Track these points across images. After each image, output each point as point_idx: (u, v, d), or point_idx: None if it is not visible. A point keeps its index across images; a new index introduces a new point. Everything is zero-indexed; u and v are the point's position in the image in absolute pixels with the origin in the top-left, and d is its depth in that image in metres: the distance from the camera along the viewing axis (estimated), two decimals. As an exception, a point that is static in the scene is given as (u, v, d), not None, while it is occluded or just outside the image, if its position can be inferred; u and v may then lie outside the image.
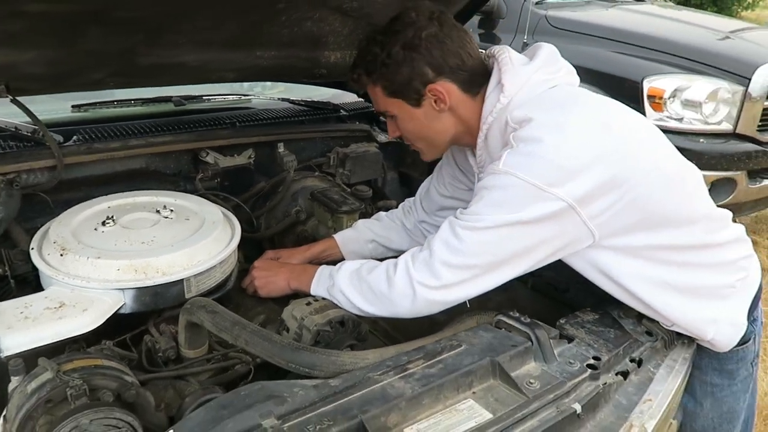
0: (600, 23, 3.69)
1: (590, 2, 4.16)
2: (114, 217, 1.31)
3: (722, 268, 1.22)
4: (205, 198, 1.56)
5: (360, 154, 1.85)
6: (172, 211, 1.37)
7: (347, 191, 1.79)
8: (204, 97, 1.81)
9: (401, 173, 2.07)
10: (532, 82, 1.16)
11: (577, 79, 1.24)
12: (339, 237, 1.54)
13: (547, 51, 1.22)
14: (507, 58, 1.19)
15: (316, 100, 1.99)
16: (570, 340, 1.17)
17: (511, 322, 1.15)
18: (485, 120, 1.20)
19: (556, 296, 1.59)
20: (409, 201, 1.62)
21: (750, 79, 3.22)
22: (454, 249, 1.11)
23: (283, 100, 1.96)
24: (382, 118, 1.33)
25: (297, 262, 1.49)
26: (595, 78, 3.47)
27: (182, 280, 1.20)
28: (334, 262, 1.34)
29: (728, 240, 1.22)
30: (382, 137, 1.98)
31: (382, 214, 1.60)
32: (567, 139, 1.06)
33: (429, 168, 2.01)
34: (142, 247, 1.23)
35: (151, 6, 1.19)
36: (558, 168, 1.04)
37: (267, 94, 2.07)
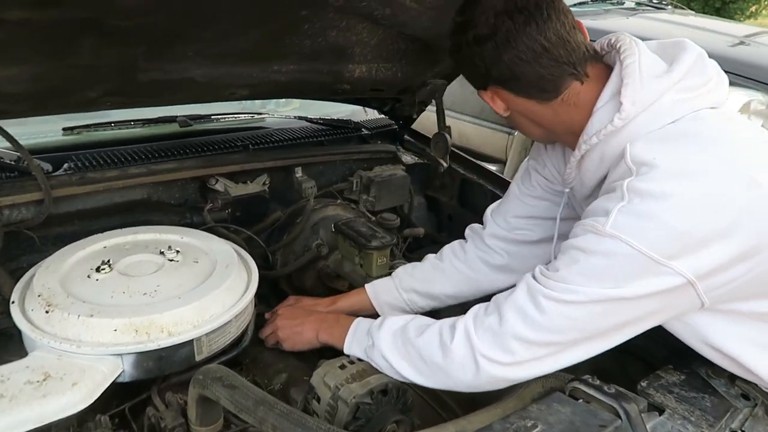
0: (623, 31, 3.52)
1: (610, 10, 3.99)
2: (110, 261, 1.11)
3: None
4: (215, 232, 1.37)
5: (386, 179, 1.66)
6: (178, 252, 1.17)
7: (373, 221, 1.59)
8: (213, 117, 1.61)
9: (428, 197, 1.88)
10: (665, 104, 0.90)
11: (726, 91, 0.96)
12: (370, 288, 1.33)
13: (692, 56, 0.94)
14: (634, 63, 0.92)
15: (335, 118, 1.80)
16: (660, 411, 0.98)
17: (591, 392, 0.95)
18: (587, 139, 0.96)
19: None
20: (468, 230, 1.39)
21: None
22: (532, 322, 0.90)
23: (300, 118, 1.76)
24: None
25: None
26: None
27: (192, 340, 1.00)
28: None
29: None
30: (407, 158, 1.79)
31: (427, 256, 1.38)
32: (700, 198, 0.83)
33: (459, 191, 1.83)
34: (143, 301, 1.03)
35: (155, 13, 1.00)
36: (682, 236, 0.82)
37: (282, 112, 1.88)
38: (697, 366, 1.12)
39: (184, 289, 1.07)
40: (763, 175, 0.85)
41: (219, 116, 1.62)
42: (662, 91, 0.90)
